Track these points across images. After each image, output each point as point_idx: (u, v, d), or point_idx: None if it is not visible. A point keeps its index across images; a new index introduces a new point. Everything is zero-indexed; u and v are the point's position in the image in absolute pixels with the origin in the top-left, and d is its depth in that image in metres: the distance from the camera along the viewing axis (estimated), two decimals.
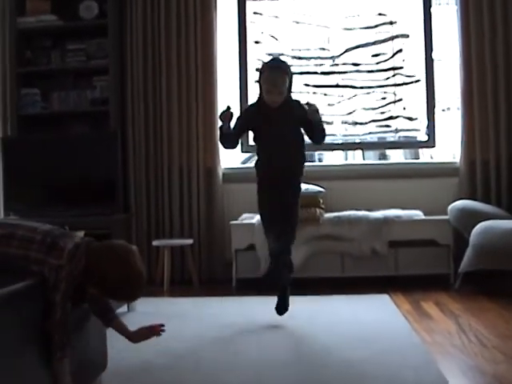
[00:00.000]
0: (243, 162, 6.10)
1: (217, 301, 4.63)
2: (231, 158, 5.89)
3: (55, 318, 2.16)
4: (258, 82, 3.87)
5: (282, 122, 3.80)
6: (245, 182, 5.61)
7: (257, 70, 3.94)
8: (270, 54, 5.72)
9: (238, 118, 3.94)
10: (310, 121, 3.83)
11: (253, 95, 5.72)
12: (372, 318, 3.89)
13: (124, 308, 4.09)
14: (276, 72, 3.75)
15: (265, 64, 3.91)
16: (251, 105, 4.03)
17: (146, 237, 5.59)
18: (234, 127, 3.88)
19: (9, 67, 5.65)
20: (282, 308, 3.79)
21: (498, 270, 4.71)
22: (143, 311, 4.14)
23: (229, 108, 3.85)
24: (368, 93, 5.69)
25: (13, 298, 2.00)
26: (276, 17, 5.76)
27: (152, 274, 5.37)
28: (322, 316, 3.84)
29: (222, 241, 5.57)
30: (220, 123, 3.89)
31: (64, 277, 2.18)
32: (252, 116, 3.91)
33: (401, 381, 2.69)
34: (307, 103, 3.88)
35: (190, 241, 5.43)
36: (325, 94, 5.67)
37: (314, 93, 5.41)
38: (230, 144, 3.95)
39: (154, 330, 2.67)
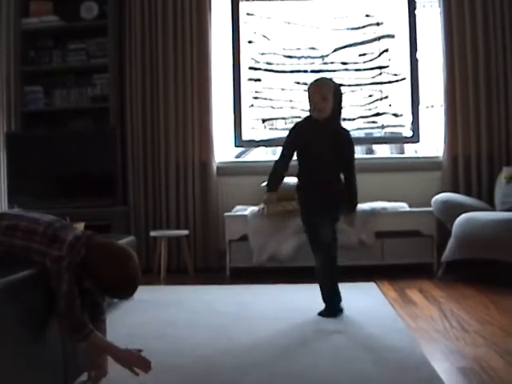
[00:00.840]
0: (237, 156, 6.09)
1: (211, 289, 4.62)
2: (225, 153, 5.87)
3: (62, 307, 2.16)
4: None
5: (325, 139, 3.57)
6: (238, 175, 5.63)
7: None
8: (262, 54, 5.72)
9: (287, 137, 3.68)
10: (348, 161, 3.67)
11: (246, 92, 5.72)
12: (360, 305, 3.88)
13: None
14: (318, 80, 3.64)
15: None
16: (299, 121, 3.77)
17: (143, 228, 5.57)
18: (284, 148, 3.66)
19: (13, 66, 5.61)
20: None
21: (479, 260, 4.72)
22: (141, 299, 4.11)
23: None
24: (356, 90, 5.67)
25: (15, 286, 1.98)
26: (268, 18, 5.73)
27: (149, 264, 5.37)
28: (312, 303, 3.82)
29: (216, 231, 5.56)
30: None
31: (65, 267, 2.18)
32: (300, 129, 3.66)
33: (387, 364, 2.69)
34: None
35: (186, 232, 5.41)
36: None
37: (305, 90, 5.42)
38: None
39: (142, 364, 2.32)
